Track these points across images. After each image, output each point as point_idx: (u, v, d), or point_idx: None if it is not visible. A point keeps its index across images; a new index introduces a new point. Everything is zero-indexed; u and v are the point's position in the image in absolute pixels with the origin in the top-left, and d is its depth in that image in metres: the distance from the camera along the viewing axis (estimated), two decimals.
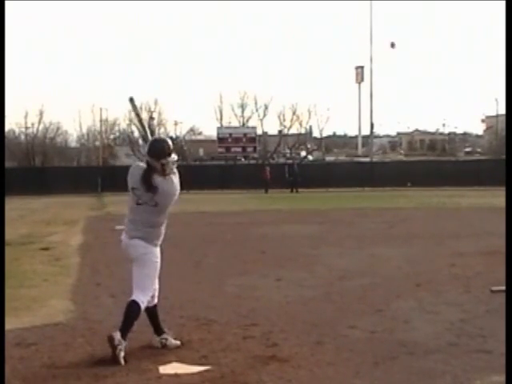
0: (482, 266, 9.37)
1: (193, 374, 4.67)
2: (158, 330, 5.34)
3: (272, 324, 6.08)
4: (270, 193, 34.06)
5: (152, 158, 4.93)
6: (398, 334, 5.71)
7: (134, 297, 5.02)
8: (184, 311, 6.60)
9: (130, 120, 59.75)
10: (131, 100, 5.45)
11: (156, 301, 5.32)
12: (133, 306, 4.99)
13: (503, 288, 6.17)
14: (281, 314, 6.56)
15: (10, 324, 5.87)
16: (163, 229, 5.17)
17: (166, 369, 4.78)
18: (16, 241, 12.98)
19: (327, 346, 5.36)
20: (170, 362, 4.94)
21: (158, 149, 4.97)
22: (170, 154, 4.95)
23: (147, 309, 5.25)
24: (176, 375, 4.65)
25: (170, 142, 5.16)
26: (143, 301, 5.02)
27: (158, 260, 5.16)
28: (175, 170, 5.10)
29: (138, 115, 5.84)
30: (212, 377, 4.60)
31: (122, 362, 4.83)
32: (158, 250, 5.16)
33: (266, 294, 7.67)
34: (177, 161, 5.08)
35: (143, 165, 5.05)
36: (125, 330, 4.93)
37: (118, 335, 4.86)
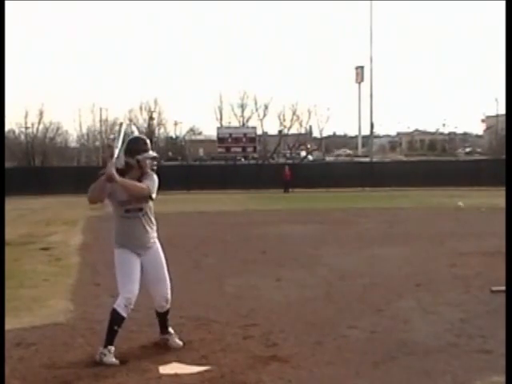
0: (482, 265, 9.36)
1: (193, 374, 4.67)
2: (162, 330, 5.37)
3: (272, 324, 6.08)
4: (270, 193, 34.04)
5: (128, 156, 5.00)
6: (398, 334, 5.71)
7: (114, 303, 5.07)
8: (184, 311, 6.58)
9: (130, 120, 59.89)
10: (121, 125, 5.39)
11: (168, 307, 5.32)
12: (111, 314, 5.03)
13: (503, 288, 6.16)
14: (281, 314, 6.57)
15: (9, 324, 5.87)
16: (115, 227, 5.13)
17: (165, 369, 4.79)
18: (16, 241, 12.98)
19: (327, 346, 5.36)
20: (169, 361, 4.95)
21: (132, 146, 5.04)
22: (145, 151, 5.03)
23: (158, 313, 5.32)
24: (176, 375, 4.65)
25: (146, 140, 5.21)
26: (120, 304, 5.01)
27: (122, 258, 5.06)
28: (151, 172, 5.10)
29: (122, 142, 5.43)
30: (212, 377, 4.60)
31: (116, 361, 4.86)
32: (119, 250, 5.09)
33: (265, 293, 7.67)
34: (155, 158, 5.13)
35: None
36: (108, 337, 4.95)
37: (99, 351, 4.93)
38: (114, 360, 4.86)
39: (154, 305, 5.34)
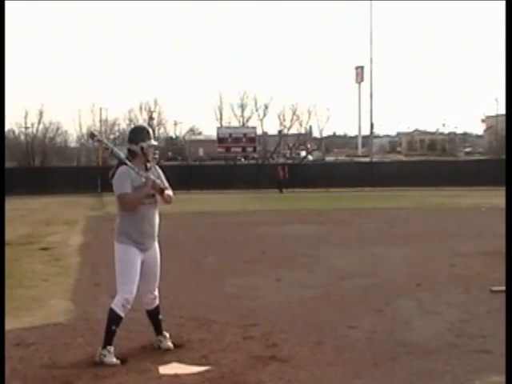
0: (482, 265, 9.37)
1: (193, 374, 4.67)
2: (156, 331, 5.34)
3: (272, 324, 6.08)
4: (270, 193, 34.02)
5: (131, 143, 5.07)
6: (398, 334, 5.71)
7: (112, 303, 5.05)
8: (184, 311, 6.59)
9: (130, 120, 59.92)
10: (92, 136, 5.62)
11: (157, 302, 5.31)
12: (109, 314, 5.03)
13: (503, 288, 6.16)
14: (281, 314, 6.56)
15: (9, 324, 5.87)
16: (123, 222, 5.05)
17: (165, 369, 4.79)
18: (16, 241, 12.98)
19: (327, 346, 5.35)
20: (169, 362, 4.95)
21: (136, 133, 5.17)
22: (149, 139, 5.11)
23: (148, 311, 5.29)
24: (176, 375, 4.65)
25: (148, 128, 5.34)
26: (118, 304, 5.00)
27: (126, 257, 5.00)
28: (156, 166, 5.18)
29: (106, 148, 5.47)
30: (212, 377, 4.60)
31: (117, 361, 4.86)
32: (123, 247, 5.01)
33: (265, 294, 7.67)
34: (156, 146, 5.21)
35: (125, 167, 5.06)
36: (107, 338, 4.94)
37: (98, 352, 4.92)
38: (114, 360, 4.86)
39: (143, 302, 5.27)
